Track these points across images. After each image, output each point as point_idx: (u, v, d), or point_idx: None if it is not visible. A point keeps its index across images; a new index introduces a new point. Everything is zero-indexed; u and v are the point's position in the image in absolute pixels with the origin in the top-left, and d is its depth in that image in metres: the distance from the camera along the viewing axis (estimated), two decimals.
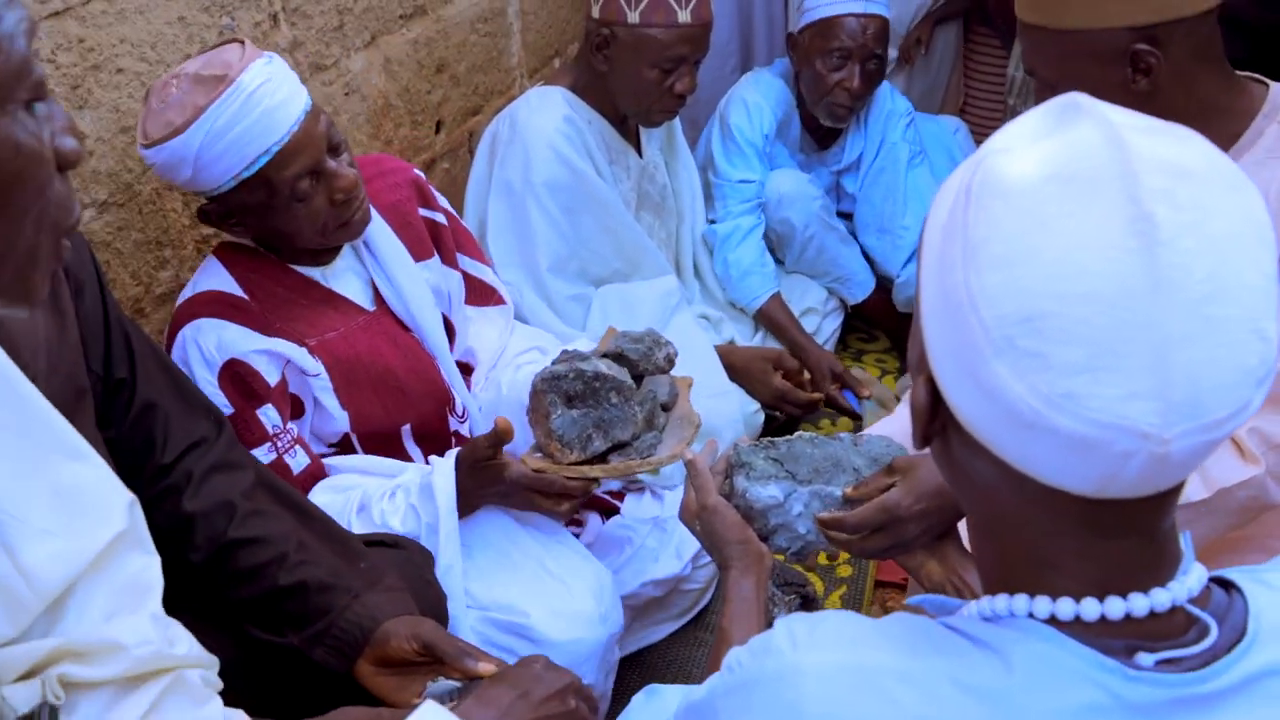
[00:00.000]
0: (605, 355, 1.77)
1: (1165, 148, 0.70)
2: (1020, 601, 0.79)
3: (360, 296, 1.85)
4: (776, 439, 1.48)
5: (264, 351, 1.68)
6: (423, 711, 1.19)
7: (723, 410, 2.41)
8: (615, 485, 2.09)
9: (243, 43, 1.62)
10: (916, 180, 3.13)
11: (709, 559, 2.13)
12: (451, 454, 1.74)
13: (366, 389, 1.79)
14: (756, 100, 2.96)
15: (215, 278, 1.72)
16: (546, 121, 2.33)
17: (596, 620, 1.74)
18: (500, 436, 1.66)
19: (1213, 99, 1.51)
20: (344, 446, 1.86)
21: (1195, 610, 0.77)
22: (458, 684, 1.34)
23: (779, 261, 3.07)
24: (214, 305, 1.69)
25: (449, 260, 2.01)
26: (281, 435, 1.68)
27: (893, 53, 3.54)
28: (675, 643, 2.18)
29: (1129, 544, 0.76)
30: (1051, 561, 0.78)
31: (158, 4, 1.77)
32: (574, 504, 1.76)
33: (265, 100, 1.56)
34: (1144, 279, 0.66)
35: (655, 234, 2.69)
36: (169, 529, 1.43)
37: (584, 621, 1.72)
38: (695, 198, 2.87)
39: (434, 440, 1.91)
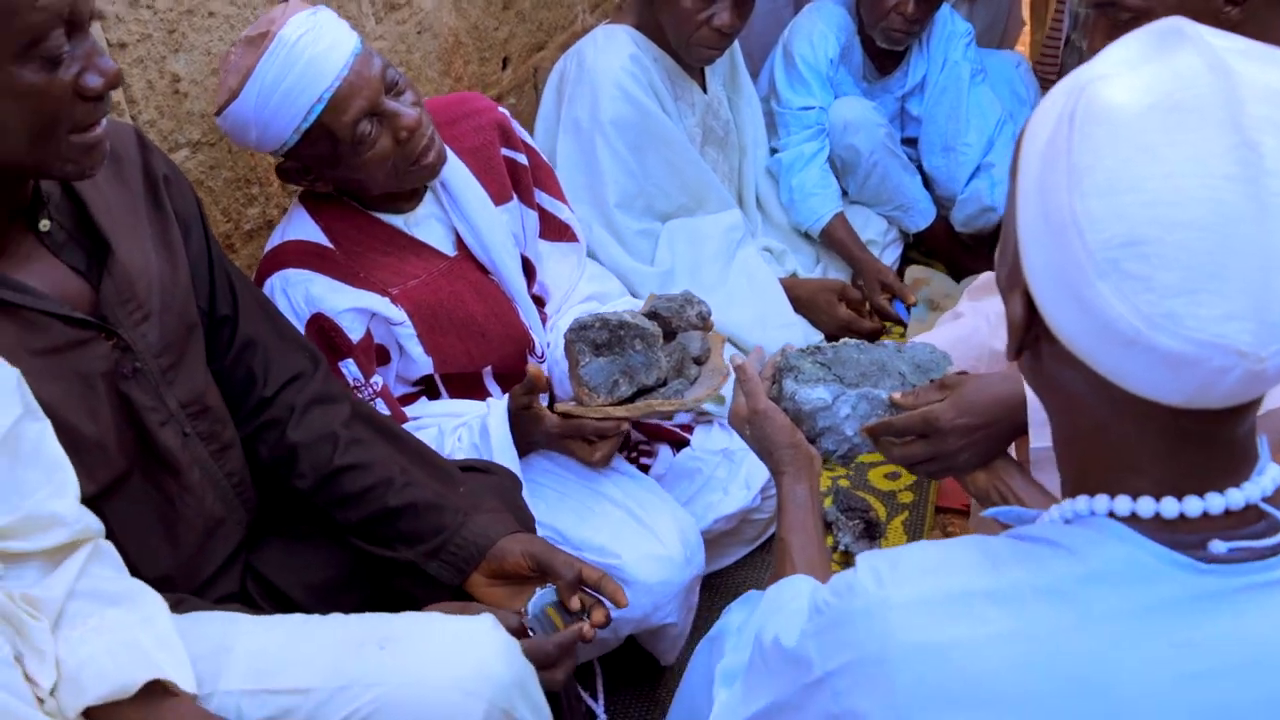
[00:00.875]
0: (641, 314, 1.86)
1: (1269, 74, 0.72)
2: (1101, 501, 0.83)
3: (442, 243, 1.89)
4: (823, 344, 1.53)
5: (350, 309, 1.74)
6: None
7: (788, 341, 2.45)
8: (686, 418, 2.16)
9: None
10: (978, 98, 3.13)
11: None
12: (505, 397, 1.81)
13: (450, 334, 1.85)
14: (820, 27, 2.97)
15: (302, 227, 1.77)
16: (613, 60, 2.35)
17: (683, 563, 1.82)
18: (533, 384, 1.73)
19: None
20: (428, 386, 1.93)
21: (1267, 507, 0.81)
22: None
23: (843, 191, 3.09)
24: (302, 256, 1.74)
25: (527, 199, 2.05)
26: (363, 388, 1.75)
27: None
28: (744, 566, 2.25)
29: (1210, 449, 0.80)
30: (1134, 465, 0.82)
31: None
32: (608, 450, 1.83)
33: (308, 49, 1.58)
34: (1247, 206, 0.69)
35: (720, 168, 2.72)
36: (274, 459, 1.52)
37: (672, 565, 1.80)
38: (758, 131, 2.89)
39: (514, 379, 1.97)
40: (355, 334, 1.76)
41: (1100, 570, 0.80)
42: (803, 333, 2.57)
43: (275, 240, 1.79)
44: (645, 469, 2.06)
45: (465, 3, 2.50)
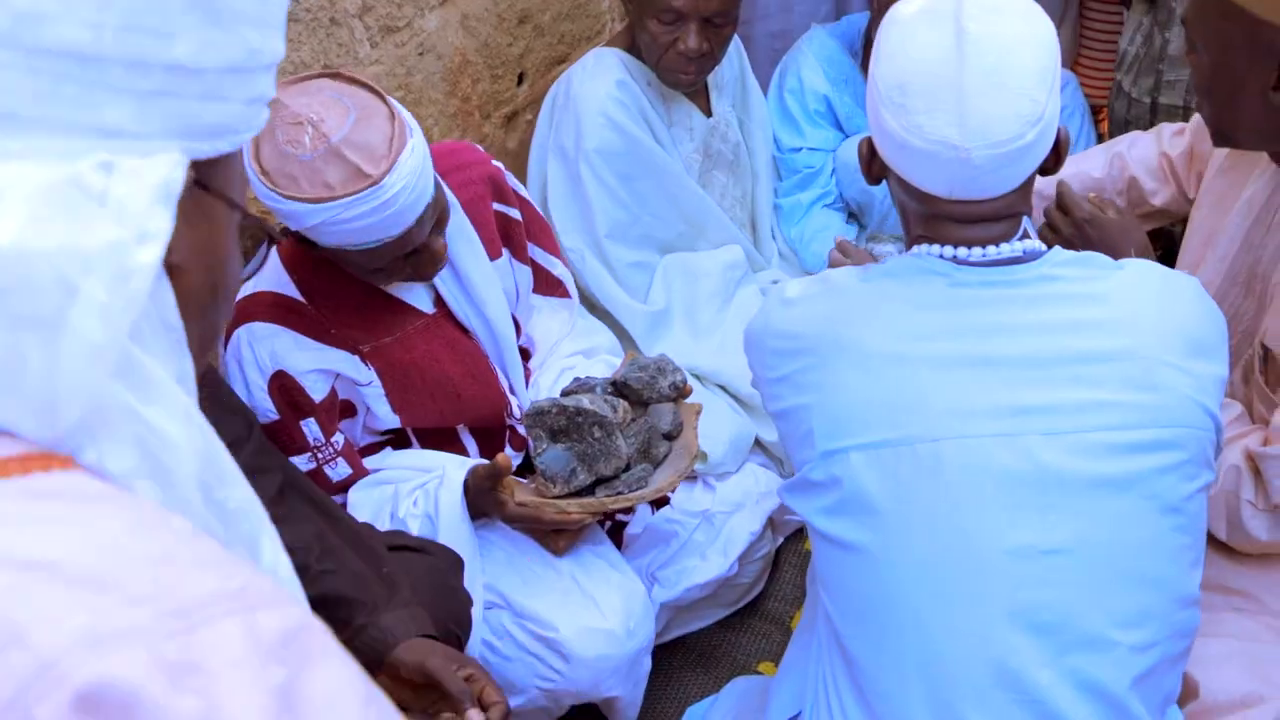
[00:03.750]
0: (611, 383, 1.79)
1: None
2: (924, 247, 1.30)
3: (420, 300, 1.83)
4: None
5: (315, 370, 1.70)
6: None
7: None
8: None
9: (391, 111, 1.53)
10: None
11: (759, 555, 2.13)
12: (462, 470, 1.75)
13: (421, 394, 1.80)
14: (810, 61, 2.76)
15: (275, 279, 1.72)
16: (599, 87, 2.24)
17: (623, 637, 1.76)
18: (498, 472, 1.67)
19: None
20: (397, 435, 1.88)
21: (1007, 254, 1.27)
22: None
23: (861, 226, 2.93)
24: (271, 309, 1.69)
25: (520, 255, 1.99)
26: (323, 448, 1.70)
27: None
28: (724, 628, 2.17)
29: (981, 225, 1.27)
30: (938, 237, 1.29)
31: None
32: (569, 541, 1.80)
33: (400, 200, 1.50)
34: (956, 64, 1.17)
35: (729, 193, 2.58)
36: None
37: (612, 639, 1.74)
38: (771, 155, 2.74)
39: (490, 434, 1.92)
40: (318, 394, 1.71)
41: (895, 268, 1.31)
42: None
43: (247, 289, 1.74)
44: (622, 526, 1.99)
45: (474, 21, 2.41)
